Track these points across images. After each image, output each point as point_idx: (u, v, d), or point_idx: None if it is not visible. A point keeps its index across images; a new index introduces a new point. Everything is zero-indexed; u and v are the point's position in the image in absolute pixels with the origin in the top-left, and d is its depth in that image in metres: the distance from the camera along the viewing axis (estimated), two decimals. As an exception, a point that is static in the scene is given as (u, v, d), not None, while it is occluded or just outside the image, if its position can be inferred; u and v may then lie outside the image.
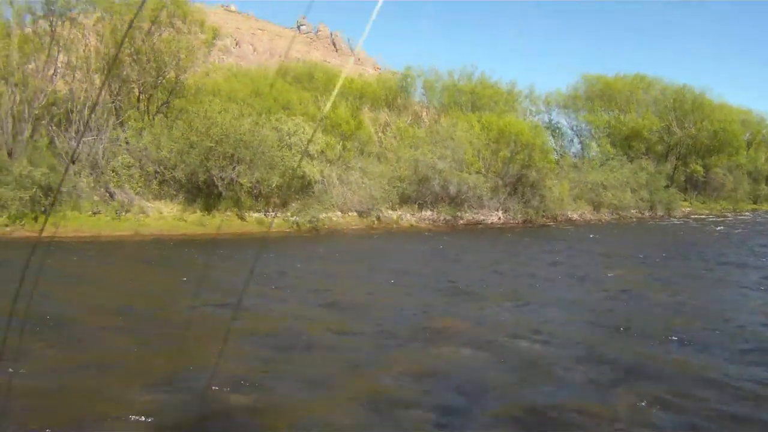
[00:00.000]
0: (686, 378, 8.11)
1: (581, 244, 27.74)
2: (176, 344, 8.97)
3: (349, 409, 6.94)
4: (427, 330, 10.49)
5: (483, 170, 35.88)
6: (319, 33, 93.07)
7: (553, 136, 47.25)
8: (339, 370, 8.25)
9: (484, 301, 13.33)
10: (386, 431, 6.42)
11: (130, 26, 31.01)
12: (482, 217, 35.91)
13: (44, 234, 28.18)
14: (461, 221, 34.63)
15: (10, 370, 7.01)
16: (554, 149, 45.96)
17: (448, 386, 7.62)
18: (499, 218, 37.05)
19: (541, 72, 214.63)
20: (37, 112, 31.44)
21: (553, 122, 48.21)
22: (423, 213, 33.50)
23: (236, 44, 77.77)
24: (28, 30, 32.70)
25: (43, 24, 33.01)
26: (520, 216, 37.23)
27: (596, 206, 44.58)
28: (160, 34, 33.17)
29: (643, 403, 7.03)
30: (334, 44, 77.08)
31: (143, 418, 6.31)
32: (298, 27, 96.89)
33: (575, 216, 42.37)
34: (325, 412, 6.88)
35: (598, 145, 48.82)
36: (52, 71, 32.91)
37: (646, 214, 46.91)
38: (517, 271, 18.19)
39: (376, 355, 9.14)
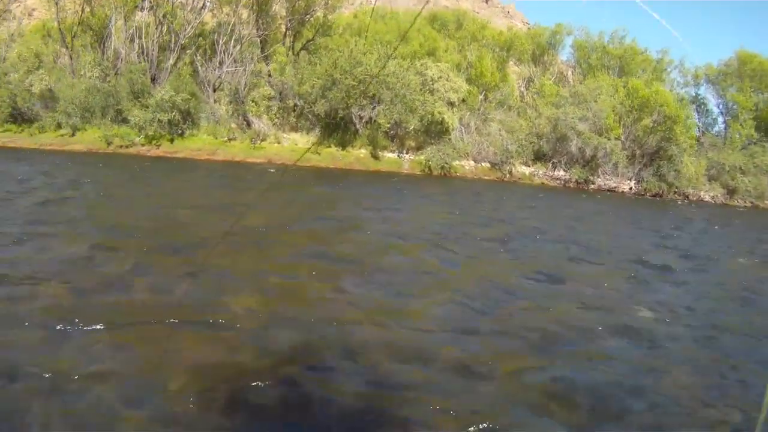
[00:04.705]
0: None
1: None
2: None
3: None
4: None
5: (622, 137, 34.61)
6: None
7: (698, 112, 44.44)
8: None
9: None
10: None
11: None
12: (614, 185, 34.89)
13: (179, 155, 30.87)
14: (592, 186, 33.85)
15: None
16: (697, 125, 43.26)
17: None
18: (631, 188, 35.85)
19: (694, 43, 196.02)
20: (183, 42, 33.75)
21: (699, 97, 45.27)
22: (556, 172, 33.01)
23: (386, -13, 78.34)
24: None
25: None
26: (652, 188, 35.78)
27: (730, 191, 41.79)
28: (312, -27, 34.29)
29: None
30: (485, -5, 75.70)
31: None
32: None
33: (707, 197, 40.01)
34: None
35: (742, 127, 45.38)
36: (201, 4, 35.00)
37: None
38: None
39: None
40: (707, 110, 45.41)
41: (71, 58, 34.71)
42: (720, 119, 46.24)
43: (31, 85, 33.31)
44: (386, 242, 11.61)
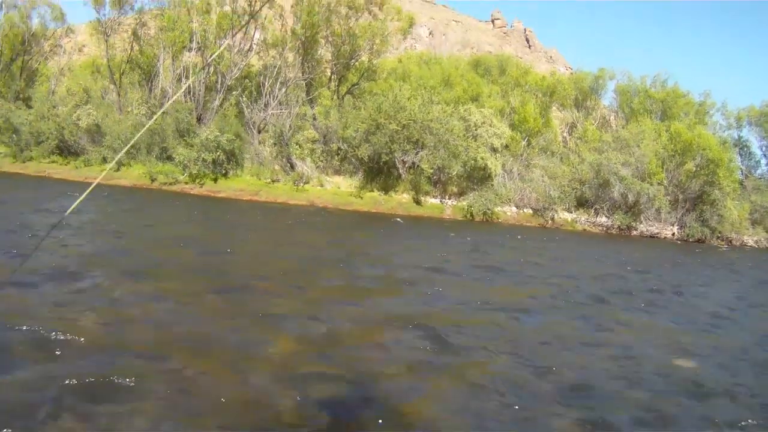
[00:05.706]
0: None
1: None
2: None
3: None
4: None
5: (665, 182, 34.13)
6: (514, 28, 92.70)
7: (741, 155, 43.69)
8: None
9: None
10: None
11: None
12: (656, 231, 34.33)
13: (222, 195, 31.24)
14: (635, 232, 33.36)
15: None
16: (740, 168, 42.49)
17: None
18: (674, 234, 35.23)
19: (737, 84, 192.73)
20: (229, 83, 34.43)
21: (742, 139, 44.48)
22: (598, 219, 32.61)
23: (429, 33, 79.19)
24: (227, 8, 35.52)
25: (243, 3, 35.60)
26: (695, 234, 35.12)
27: (774, 234, 40.82)
28: (357, 19, 34.79)
29: None
30: (527, 40, 75.78)
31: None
32: (493, 21, 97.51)
33: (750, 242, 39.09)
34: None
35: (786, 168, 44.52)
36: (247, 47, 35.73)
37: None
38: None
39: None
40: (750, 153, 44.62)
41: (119, 95, 35.54)
42: (763, 161, 45.40)
43: (79, 119, 34.10)
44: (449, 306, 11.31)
